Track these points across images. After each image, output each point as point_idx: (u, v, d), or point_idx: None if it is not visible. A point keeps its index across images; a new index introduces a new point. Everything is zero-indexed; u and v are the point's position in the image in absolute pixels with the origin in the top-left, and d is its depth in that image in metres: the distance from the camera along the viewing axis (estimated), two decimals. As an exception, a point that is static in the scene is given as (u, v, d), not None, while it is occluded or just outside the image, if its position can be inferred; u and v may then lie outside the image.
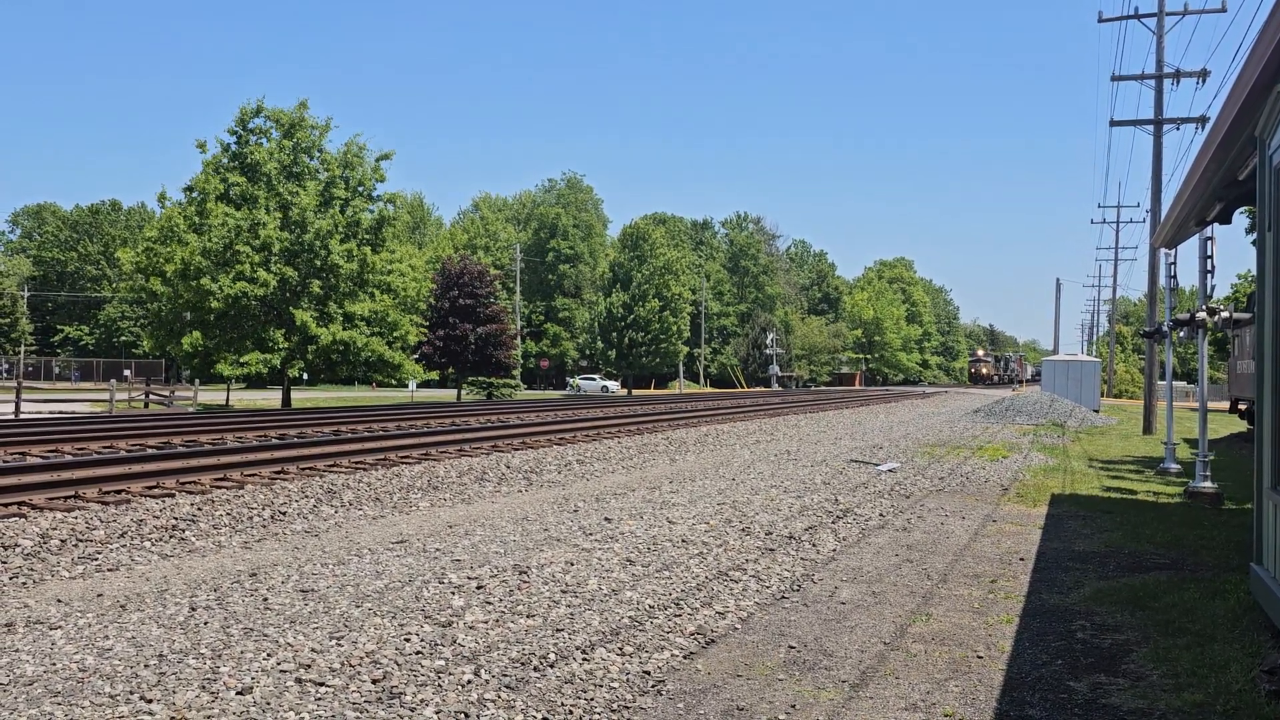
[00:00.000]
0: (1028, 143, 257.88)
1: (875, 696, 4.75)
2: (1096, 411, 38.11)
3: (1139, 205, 61.45)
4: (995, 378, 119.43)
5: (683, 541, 8.29)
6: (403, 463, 14.33)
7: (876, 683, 4.96)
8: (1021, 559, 8.29)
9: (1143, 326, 24.91)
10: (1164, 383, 17.12)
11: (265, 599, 6.22)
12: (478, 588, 6.45)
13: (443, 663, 4.90)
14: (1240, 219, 32.67)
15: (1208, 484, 12.11)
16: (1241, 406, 22.82)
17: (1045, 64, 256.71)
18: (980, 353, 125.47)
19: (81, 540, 8.39)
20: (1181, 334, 13.48)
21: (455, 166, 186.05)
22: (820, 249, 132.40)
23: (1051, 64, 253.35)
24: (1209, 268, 11.27)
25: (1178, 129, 27.55)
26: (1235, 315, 12.11)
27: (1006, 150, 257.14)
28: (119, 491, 10.75)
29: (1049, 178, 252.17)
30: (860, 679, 5.01)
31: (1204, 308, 11.91)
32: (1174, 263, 14.85)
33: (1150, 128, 27.57)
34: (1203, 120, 26.54)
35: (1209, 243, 11.20)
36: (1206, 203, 9.15)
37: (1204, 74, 26.89)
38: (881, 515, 10.46)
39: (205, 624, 5.60)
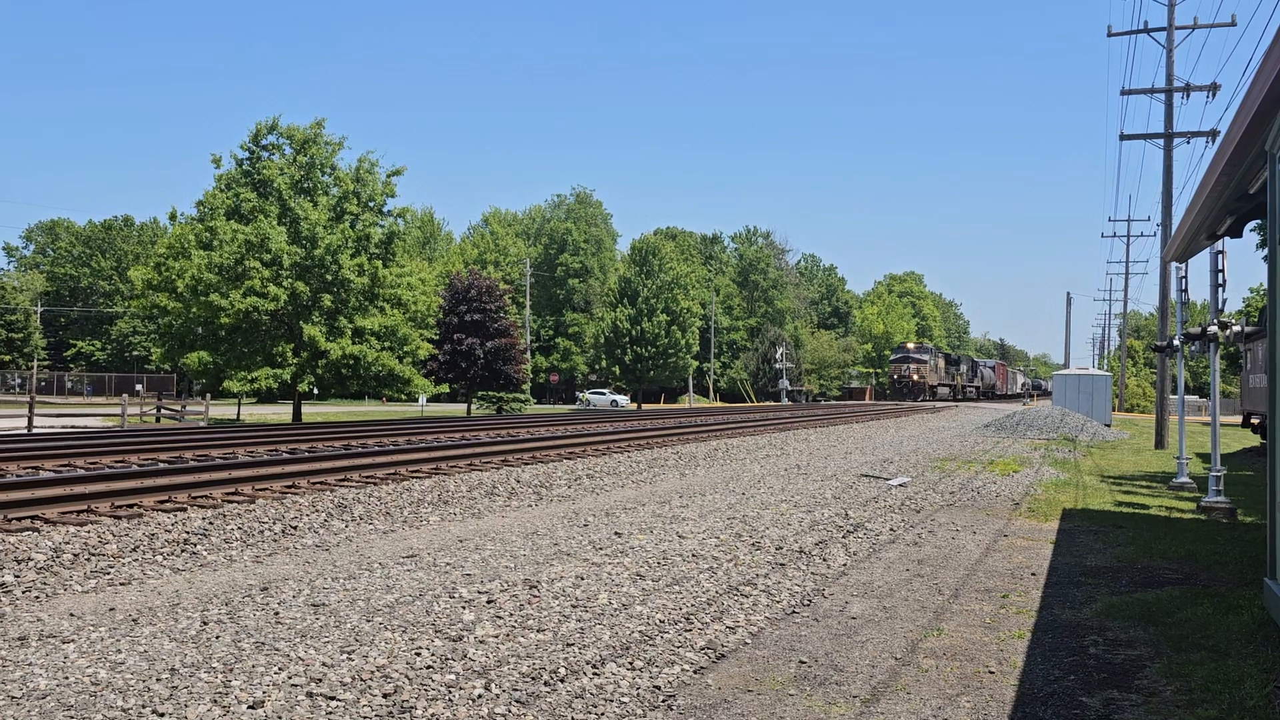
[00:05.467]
0: (1038, 156, 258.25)
1: (886, 712, 4.73)
2: (1108, 426, 37.94)
3: (1150, 219, 61.26)
4: (943, 389, 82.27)
5: (693, 556, 8.28)
6: (413, 477, 14.35)
7: (888, 698, 4.94)
8: (1033, 574, 8.25)
9: (1154, 340, 24.80)
10: (1175, 397, 17.05)
11: (276, 613, 6.24)
12: (488, 602, 6.45)
13: (453, 677, 4.91)
14: (1251, 233, 32.56)
15: (1221, 498, 12.03)
16: (1254, 421, 22.70)
17: (1055, 78, 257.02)
18: (910, 346, 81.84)
19: (94, 554, 8.42)
20: (1193, 348, 13.43)
21: (465, 181, 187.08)
22: (830, 263, 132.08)
23: (1062, 78, 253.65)
24: (1220, 281, 11.23)
25: (1188, 142, 27.55)
26: (1247, 329, 12.08)
27: (1017, 164, 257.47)
28: (131, 505, 10.79)
29: (1060, 191, 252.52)
30: (871, 694, 4.99)
31: (1215, 322, 11.88)
32: (1185, 276, 14.79)
33: (1160, 141, 27.55)
34: (1213, 134, 26.53)
35: (1220, 256, 11.17)
36: (1217, 216, 9.14)
37: (1214, 88, 26.86)
38: (892, 530, 10.42)
39: (217, 638, 5.61)
